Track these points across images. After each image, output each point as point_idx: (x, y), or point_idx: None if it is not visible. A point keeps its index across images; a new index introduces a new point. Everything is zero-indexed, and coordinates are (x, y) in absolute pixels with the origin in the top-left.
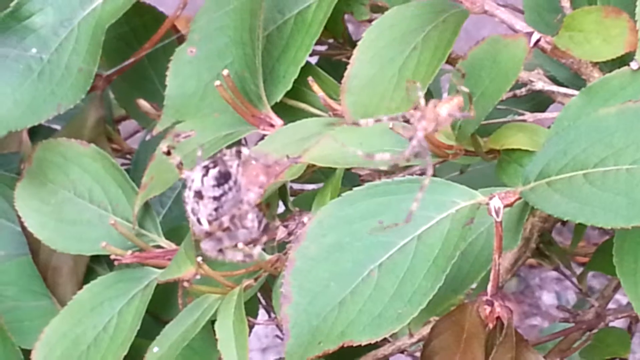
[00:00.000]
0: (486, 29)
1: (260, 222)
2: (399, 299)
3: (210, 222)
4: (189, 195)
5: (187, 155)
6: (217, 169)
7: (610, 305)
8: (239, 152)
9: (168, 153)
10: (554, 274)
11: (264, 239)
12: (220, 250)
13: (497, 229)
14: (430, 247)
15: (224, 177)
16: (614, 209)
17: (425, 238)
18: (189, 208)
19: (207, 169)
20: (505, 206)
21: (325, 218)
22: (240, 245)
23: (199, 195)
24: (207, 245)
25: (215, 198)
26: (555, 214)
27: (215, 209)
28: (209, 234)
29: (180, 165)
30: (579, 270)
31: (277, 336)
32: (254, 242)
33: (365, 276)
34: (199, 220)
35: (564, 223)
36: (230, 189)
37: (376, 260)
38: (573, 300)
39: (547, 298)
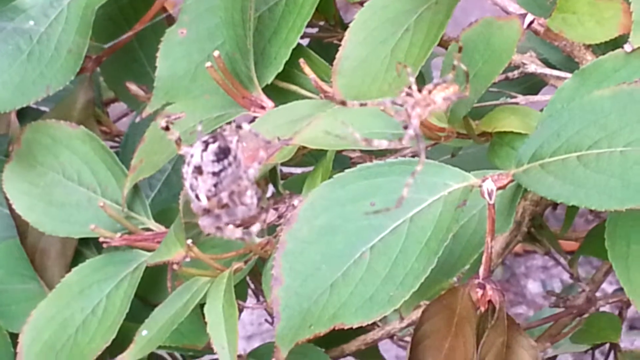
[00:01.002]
0: (474, 15)
1: (259, 199)
2: (391, 281)
3: (209, 198)
4: (187, 170)
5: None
6: (216, 144)
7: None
8: (239, 127)
9: (166, 128)
10: (540, 262)
11: (263, 216)
12: (219, 228)
13: (489, 212)
14: (422, 230)
15: (223, 153)
16: (607, 191)
17: (417, 220)
18: (187, 184)
19: (206, 144)
20: (498, 189)
21: (317, 200)
22: (238, 223)
23: (198, 170)
24: (205, 222)
25: (214, 174)
26: (549, 196)
27: (215, 185)
28: (207, 211)
29: (178, 141)
30: (560, 256)
31: (266, 320)
32: (252, 219)
33: (357, 258)
34: (197, 196)
35: (554, 208)
36: (229, 164)
37: (368, 243)
38: (559, 288)
39: (533, 286)
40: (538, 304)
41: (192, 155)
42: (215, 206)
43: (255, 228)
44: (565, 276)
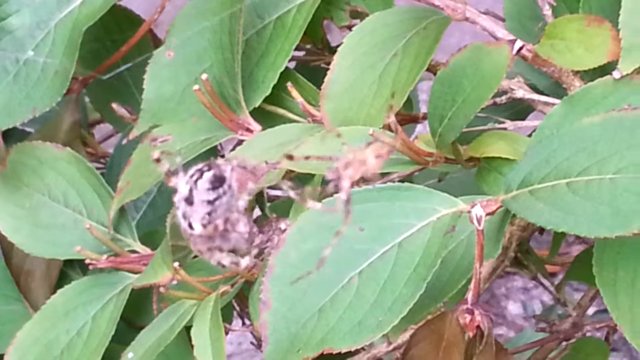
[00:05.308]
0: (454, 37)
1: (252, 229)
2: (380, 306)
3: (203, 226)
4: (180, 199)
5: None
6: (211, 172)
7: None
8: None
9: (158, 160)
10: (520, 283)
11: (255, 250)
12: (210, 249)
13: (478, 238)
14: (411, 255)
15: (218, 181)
16: (597, 218)
17: (406, 246)
18: (179, 212)
19: (201, 172)
20: (487, 214)
21: (306, 224)
22: (229, 249)
23: (191, 199)
24: (197, 242)
25: (209, 202)
26: (539, 223)
27: (209, 213)
28: (200, 237)
29: (169, 173)
30: (545, 281)
31: (251, 343)
32: (245, 249)
33: (346, 283)
34: (190, 225)
35: (541, 232)
36: (224, 193)
37: (356, 268)
38: (539, 309)
39: (513, 308)
40: (518, 325)
41: (186, 183)
42: (209, 234)
43: (245, 261)
44: (546, 298)
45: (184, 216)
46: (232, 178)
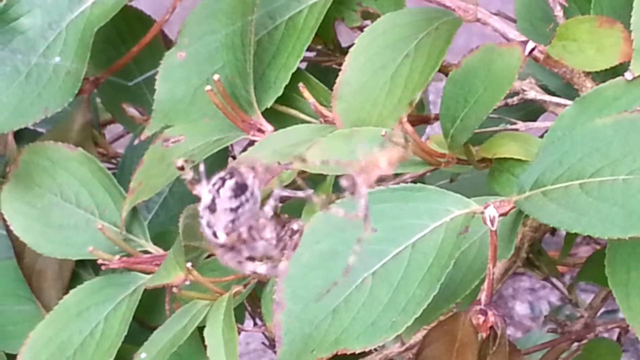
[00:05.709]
0: (462, 37)
1: (278, 234)
2: (393, 307)
3: (227, 235)
4: (203, 207)
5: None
6: (233, 180)
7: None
8: (254, 165)
9: (182, 168)
10: (527, 284)
11: (288, 253)
12: (240, 262)
13: (492, 238)
14: (425, 256)
15: (240, 189)
16: (610, 220)
17: (420, 246)
18: (203, 221)
19: (223, 180)
20: (500, 215)
21: (319, 225)
22: (259, 257)
23: (214, 207)
24: (226, 256)
25: (232, 210)
26: (552, 224)
27: (232, 221)
28: (225, 246)
29: (193, 181)
30: (557, 281)
31: (263, 343)
32: (274, 255)
33: (359, 284)
34: (214, 234)
35: (552, 233)
36: (247, 200)
37: (370, 269)
38: (546, 310)
39: (520, 308)
40: (526, 326)
41: (208, 192)
42: (234, 242)
43: (283, 265)
44: (553, 298)
45: (208, 225)
46: (254, 185)
